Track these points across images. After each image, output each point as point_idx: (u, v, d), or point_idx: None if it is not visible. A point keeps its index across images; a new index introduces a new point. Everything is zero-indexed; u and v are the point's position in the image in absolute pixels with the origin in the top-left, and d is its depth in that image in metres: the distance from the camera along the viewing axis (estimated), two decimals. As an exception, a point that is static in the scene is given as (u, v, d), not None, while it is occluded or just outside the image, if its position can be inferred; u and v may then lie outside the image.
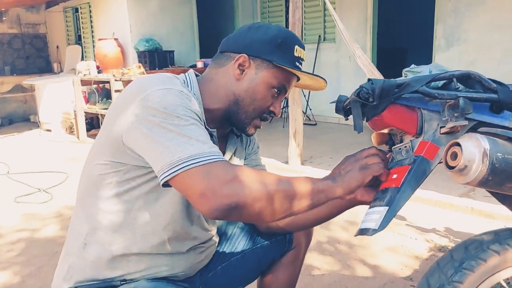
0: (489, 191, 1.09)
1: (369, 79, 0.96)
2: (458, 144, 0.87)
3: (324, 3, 5.50)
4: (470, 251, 0.96)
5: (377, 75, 3.19)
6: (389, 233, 2.61)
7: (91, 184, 1.00)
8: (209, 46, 6.72)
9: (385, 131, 1.05)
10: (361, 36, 5.69)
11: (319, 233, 2.63)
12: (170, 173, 0.82)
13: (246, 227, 1.31)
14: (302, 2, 3.77)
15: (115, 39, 6.43)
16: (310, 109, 6.10)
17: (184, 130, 0.86)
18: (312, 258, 2.31)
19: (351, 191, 0.91)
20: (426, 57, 5.07)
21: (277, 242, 1.28)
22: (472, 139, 0.85)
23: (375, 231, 0.89)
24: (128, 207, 0.98)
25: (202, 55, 7.16)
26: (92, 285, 1.00)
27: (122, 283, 1.00)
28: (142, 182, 0.96)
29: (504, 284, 1.03)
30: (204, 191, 0.80)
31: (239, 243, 1.29)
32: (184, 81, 1.04)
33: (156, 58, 6.34)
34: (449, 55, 4.90)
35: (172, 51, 6.62)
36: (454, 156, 0.87)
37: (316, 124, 6.03)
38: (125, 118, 0.90)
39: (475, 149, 0.84)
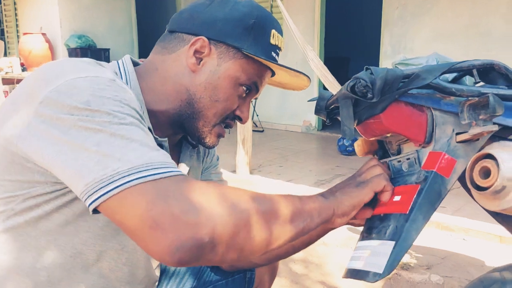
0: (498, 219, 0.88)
1: (367, 68, 0.71)
2: (490, 157, 0.64)
3: (272, 4, 5.35)
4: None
5: (331, 80, 3.02)
6: (346, 249, 2.42)
7: None
8: (149, 45, 6.32)
9: (378, 137, 0.82)
10: (308, 41, 5.57)
11: (271, 250, 2.37)
12: (102, 194, 0.54)
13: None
14: None
15: (43, 34, 5.89)
16: (257, 115, 5.90)
17: (120, 130, 0.57)
18: (265, 281, 2.04)
19: (345, 213, 0.70)
20: (372, 66, 5.04)
21: (234, 282, 1.00)
22: (509, 150, 0.63)
23: (379, 276, 0.65)
24: (28, 244, 0.67)
25: (142, 54, 6.73)
26: None
27: None
28: (52, 208, 0.65)
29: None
30: (158, 218, 0.52)
31: (184, 284, 0.99)
32: (116, 72, 0.74)
33: (90, 56, 5.84)
34: (396, 62, 4.91)
35: (108, 49, 6.17)
36: (485, 173, 0.64)
37: (263, 131, 5.83)
38: (24, 117, 0.59)
39: (516, 164, 0.62)
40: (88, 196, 0.54)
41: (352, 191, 0.70)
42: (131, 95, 0.64)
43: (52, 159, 0.57)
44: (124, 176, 0.53)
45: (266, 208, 0.59)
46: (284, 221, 0.60)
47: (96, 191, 0.53)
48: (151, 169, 0.55)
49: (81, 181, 0.54)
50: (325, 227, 0.85)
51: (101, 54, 6.01)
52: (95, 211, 0.56)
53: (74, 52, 5.83)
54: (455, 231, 2.53)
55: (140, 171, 0.54)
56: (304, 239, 0.88)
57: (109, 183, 0.53)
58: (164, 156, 0.58)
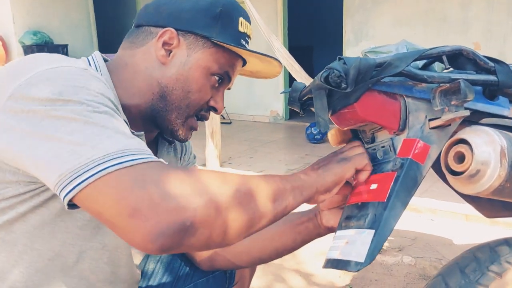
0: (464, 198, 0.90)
1: (339, 58, 0.71)
2: (463, 141, 0.66)
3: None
4: (467, 275, 0.76)
5: (297, 69, 3.03)
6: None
7: None
8: (108, 40, 6.14)
9: (353, 126, 0.82)
10: (272, 31, 5.55)
11: (247, 243, 2.37)
12: (77, 184, 0.51)
13: (172, 261, 1.00)
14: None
15: (-5, 31, 5.56)
16: (224, 107, 5.86)
17: (94, 118, 0.54)
18: (242, 274, 2.04)
19: (328, 189, 0.69)
20: (335, 54, 5.09)
21: (215, 278, 0.99)
22: (481, 134, 0.64)
23: (361, 265, 0.65)
24: (4, 250, 0.64)
25: (102, 50, 6.43)
26: None
27: None
28: (27, 209, 0.62)
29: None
30: (137, 205, 0.49)
31: (164, 284, 0.97)
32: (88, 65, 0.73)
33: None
34: (359, 50, 4.99)
35: (66, 45, 5.92)
36: (459, 158, 0.66)
37: (231, 122, 5.81)
38: None
39: (488, 148, 0.63)
40: (63, 188, 0.51)
41: (334, 167, 0.70)
42: (105, 85, 0.63)
43: (24, 153, 0.54)
44: (99, 164, 0.50)
45: (247, 188, 0.58)
46: (266, 201, 0.59)
47: (71, 181, 0.50)
48: (127, 155, 0.52)
49: (55, 172, 0.51)
50: (304, 228, 0.87)
51: (59, 51, 5.76)
52: (71, 206, 0.53)
53: (30, 50, 5.55)
54: (423, 212, 2.62)
55: (115, 158, 0.51)
56: (288, 244, 0.89)
57: (84, 172, 0.50)
58: (140, 144, 0.56)
